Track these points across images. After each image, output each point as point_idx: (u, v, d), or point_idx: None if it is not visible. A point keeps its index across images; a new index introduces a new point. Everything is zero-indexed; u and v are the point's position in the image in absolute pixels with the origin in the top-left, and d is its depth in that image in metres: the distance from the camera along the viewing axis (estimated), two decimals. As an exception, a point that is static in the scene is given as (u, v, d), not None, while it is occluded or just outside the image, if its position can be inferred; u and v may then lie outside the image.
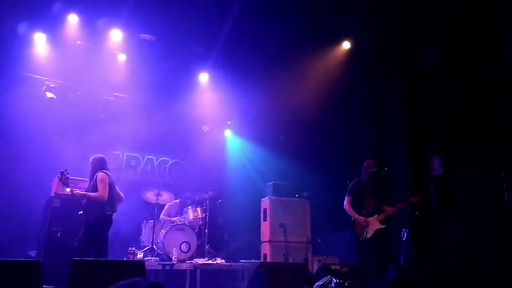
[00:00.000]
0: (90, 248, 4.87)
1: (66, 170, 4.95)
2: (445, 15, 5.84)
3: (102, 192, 4.93)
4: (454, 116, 5.99)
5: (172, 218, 7.09)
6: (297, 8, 6.52)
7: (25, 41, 6.79)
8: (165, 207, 7.33)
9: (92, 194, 4.94)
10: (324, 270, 4.09)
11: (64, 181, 4.94)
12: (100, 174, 5.04)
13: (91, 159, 5.24)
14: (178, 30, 7.12)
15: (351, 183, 5.34)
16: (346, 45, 7.61)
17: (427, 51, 6.12)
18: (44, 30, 6.90)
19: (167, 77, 7.68)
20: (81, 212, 5.03)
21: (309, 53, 7.48)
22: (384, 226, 5.10)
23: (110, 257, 6.03)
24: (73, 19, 6.89)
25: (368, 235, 5.06)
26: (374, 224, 5.09)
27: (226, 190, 7.62)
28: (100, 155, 5.26)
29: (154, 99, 7.94)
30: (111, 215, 5.08)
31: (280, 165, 7.80)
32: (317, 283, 3.32)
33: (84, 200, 5.02)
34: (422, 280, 4.09)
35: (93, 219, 4.90)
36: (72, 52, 7.06)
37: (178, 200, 7.35)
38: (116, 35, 7.23)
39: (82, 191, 5.05)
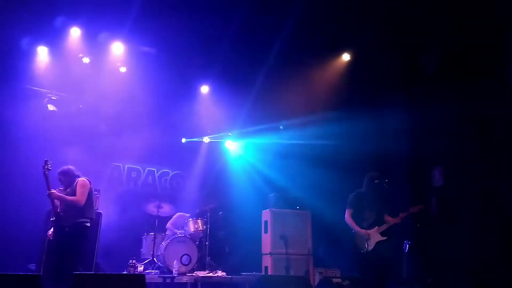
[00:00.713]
0: (58, 259, 4.60)
1: (49, 160, 4.74)
2: (445, 21, 5.88)
3: (80, 197, 4.72)
4: (455, 126, 6.00)
5: (175, 230, 7.06)
6: (297, 20, 6.58)
7: (28, 55, 6.86)
8: (175, 216, 7.28)
9: (69, 197, 4.71)
10: (325, 283, 4.07)
11: (46, 173, 4.66)
12: (82, 180, 4.86)
13: (61, 170, 4.99)
14: (179, 42, 7.19)
15: (351, 195, 5.33)
16: (345, 57, 7.67)
17: (427, 60, 6.16)
18: (47, 44, 6.98)
19: (168, 88, 7.73)
20: (53, 218, 4.72)
21: (309, 64, 7.54)
22: (385, 238, 5.06)
23: (111, 269, 6.03)
24: (75, 32, 6.98)
25: (370, 248, 5.03)
26: (375, 236, 5.06)
27: (227, 202, 7.61)
28: (69, 167, 5.05)
29: (155, 111, 7.98)
30: (88, 226, 4.81)
31: (281, 177, 7.79)
32: None
33: (59, 206, 4.75)
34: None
35: (68, 227, 4.64)
36: (74, 65, 7.13)
37: (188, 215, 7.28)
38: (117, 48, 7.31)
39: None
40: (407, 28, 6.36)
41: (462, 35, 5.80)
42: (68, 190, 4.88)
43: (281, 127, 7.59)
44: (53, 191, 4.70)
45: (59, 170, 4.97)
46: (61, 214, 4.71)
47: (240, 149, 8.81)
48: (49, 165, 4.71)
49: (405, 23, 6.33)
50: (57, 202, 4.76)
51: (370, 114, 7.40)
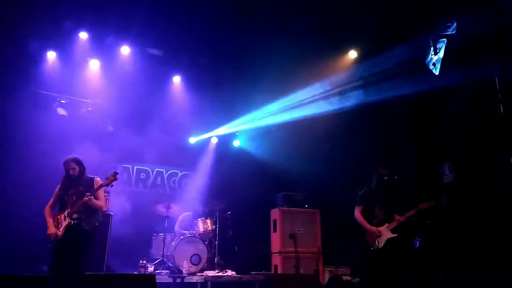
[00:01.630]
0: (74, 261, 4.39)
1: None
2: (449, 17, 5.82)
3: (104, 202, 4.76)
4: (465, 121, 5.93)
5: (182, 231, 7.10)
6: (304, 17, 6.55)
7: (37, 59, 6.95)
8: (179, 218, 7.34)
9: (98, 202, 4.60)
10: (335, 281, 4.06)
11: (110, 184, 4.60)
12: (99, 180, 4.72)
13: (75, 157, 4.68)
14: (186, 44, 7.22)
15: (361, 192, 5.29)
16: (352, 54, 7.63)
17: (432, 55, 6.09)
18: (55, 48, 7.06)
19: (176, 90, 7.77)
20: (75, 220, 4.48)
21: (315, 62, 7.50)
22: (396, 235, 5.03)
23: (121, 269, 6.09)
24: (83, 36, 7.05)
25: (380, 245, 4.99)
26: (385, 234, 5.02)
27: (236, 201, 7.62)
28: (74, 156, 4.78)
29: (163, 113, 8.03)
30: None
31: (290, 175, 7.78)
32: None
33: (75, 208, 4.53)
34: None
35: (89, 229, 4.54)
36: (83, 68, 7.20)
37: (190, 213, 7.35)
38: (125, 51, 7.36)
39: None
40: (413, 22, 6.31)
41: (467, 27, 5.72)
42: (81, 187, 4.59)
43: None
44: (91, 198, 4.50)
45: (73, 156, 4.69)
46: (83, 217, 4.52)
47: (248, 149, 8.82)
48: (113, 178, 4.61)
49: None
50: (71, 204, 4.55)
51: (377, 108, 7.37)
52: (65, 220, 4.53)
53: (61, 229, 4.49)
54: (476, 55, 5.68)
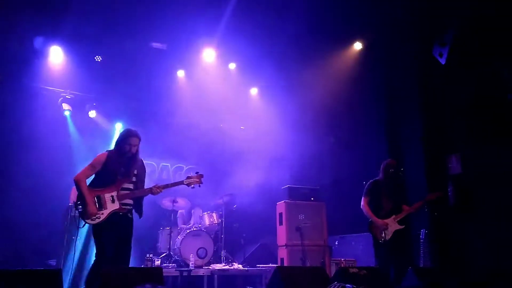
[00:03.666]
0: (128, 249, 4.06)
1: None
2: (458, 8, 5.74)
3: None
4: (472, 112, 5.87)
5: (182, 225, 7.14)
6: (308, 9, 6.49)
7: (42, 54, 6.94)
8: (178, 215, 7.40)
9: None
10: (342, 273, 4.04)
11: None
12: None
13: (134, 133, 4.06)
14: (189, 37, 7.19)
15: (368, 183, 5.27)
16: (357, 45, 7.56)
17: (441, 46, 6.01)
18: (60, 43, 7.04)
19: (181, 84, 7.75)
20: (126, 210, 4.02)
21: (320, 54, 7.45)
22: (403, 226, 5.01)
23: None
24: (87, 31, 7.02)
25: (387, 237, 4.98)
26: (392, 225, 5.01)
27: (242, 195, 7.62)
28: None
29: (167, 106, 8.03)
30: None
31: (296, 168, 7.77)
32: None
33: (131, 198, 4.07)
34: (443, 284, 4.00)
35: (131, 218, 4.13)
36: (87, 63, 7.19)
37: (183, 210, 7.41)
38: (128, 45, 7.32)
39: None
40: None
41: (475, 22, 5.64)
42: (135, 171, 4.12)
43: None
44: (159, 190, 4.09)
45: (136, 131, 4.14)
46: (135, 205, 4.08)
47: (253, 142, 8.79)
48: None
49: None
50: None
51: (384, 101, 7.31)
52: (113, 202, 3.93)
53: (105, 212, 3.86)
54: (483, 48, 5.60)
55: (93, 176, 4.04)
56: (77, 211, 3.90)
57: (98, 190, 3.95)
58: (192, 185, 4.29)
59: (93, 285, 3.71)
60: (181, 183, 4.26)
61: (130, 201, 4.06)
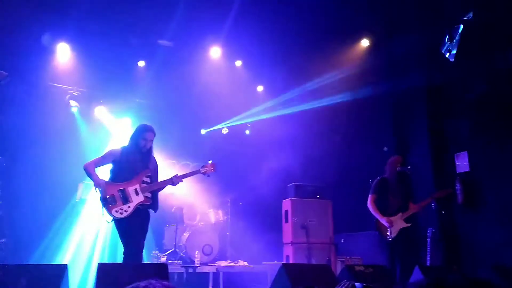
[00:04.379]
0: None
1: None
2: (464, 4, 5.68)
3: None
4: (480, 109, 5.80)
5: (188, 222, 7.14)
6: (315, 6, 6.46)
7: (49, 51, 6.98)
8: (184, 211, 7.39)
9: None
10: (348, 271, 4.02)
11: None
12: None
13: (151, 128, 4.14)
14: (196, 34, 7.19)
15: (375, 180, 5.23)
16: (365, 42, 7.51)
17: (448, 41, 5.95)
18: (67, 40, 7.08)
19: (185, 81, 7.76)
20: (150, 202, 4.07)
21: (327, 51, 7.41)
22: (409, 224, 4.97)
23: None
24: (94, 28, 7.04)
25: (393, 235, 4.94)
26: (398, 223, 4.97)
27: (247, 192, 7.62)
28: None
29: (173, 103, 8.04)
30: None
31: (302, 165, 7.74)
32: None
33: (151, 190, 4.09)
34: (451, 282, 3.97)
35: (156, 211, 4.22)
36: (94, 60, 7.22)
37: (190, 204, 7.41)
38: (136, 42, 7.35)
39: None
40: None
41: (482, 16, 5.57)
42: (149, 166, 4.16)
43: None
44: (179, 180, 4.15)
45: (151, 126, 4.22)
46: (154, 198, 4.11)
47: (258, 139, 8.79)
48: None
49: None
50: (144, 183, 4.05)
51: (390, 98, 7.26)
52: (137, 195, 3.95)
53: (131, 205, 3.89)
54: (493, 42, 5.53)
55: (110, 174, 4.09)
56: (104, 208, 3.89)
57: (120, 184, 3.97)
58: (208, 174, 4.36)
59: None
60: (198, 172, 4.33)
61: (150, 194, 4.09)
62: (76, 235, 6.67)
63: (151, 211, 4.20)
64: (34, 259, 5.95)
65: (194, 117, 8.31)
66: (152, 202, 4.12)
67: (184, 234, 6.72)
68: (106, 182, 3.96)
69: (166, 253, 6.67)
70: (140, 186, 3.98)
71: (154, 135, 4.18)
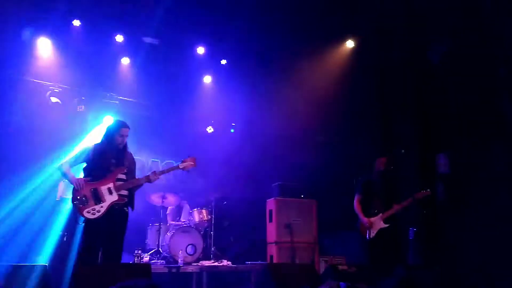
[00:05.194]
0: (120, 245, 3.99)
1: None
2: (452, 9, 5.79)
3: None
4: (461, 112, 5.93)
5: (171, 222, 7.10)
6: (300, 7, 6.49)
7: (29, 46, 6.82)
8: (168, 211, 7.35)
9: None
10: (331, 270, 4.05)
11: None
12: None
13: (126, 125, 4.05)
14: (182, 33, 7.14)
15: (361, 181, 5.28)
16: (349, 44, 7.58)
17: (434, 46, 6.06)
18: (48, 35, 6.93)
19: (171, 79, 7.69)
20: (125, 201, 3.95)
21: (312, 52, 7.46)
22: (388, 225, 5.02)
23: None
24: (77, 23, 6.92)
25: (372, 235, 5.00)
26: (377, 224, 5.03)
27: (232, 191, 7.60)
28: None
29: (158, 102, 7.96)
30: None
31: (286, 165, 7.76)
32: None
33: (126, 188, 3.99)
34: (432, 280, 4.04)
35: (133, 210, 4.11)
36: (77, 56, 7.09)
37: (173, 206, 7.37)
38: (119, 39, 7.26)
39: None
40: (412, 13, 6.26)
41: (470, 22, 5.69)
42: (124, 162, 4.04)
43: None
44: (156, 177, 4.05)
45: (126, 122, 4.11)
46: (129, 196, 3.99)
47: (243, 139, 8.78)
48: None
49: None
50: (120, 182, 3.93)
51: (375, 100, 7.35)
52: (111, 194, 3.81)
53: (104, 205, 3.75)
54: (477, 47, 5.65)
55: (83, 173, 3.97)
56: (74, 207, 3.75)
57: (92, 183, 3.84)
58: (188, 169, 4.23)
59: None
60: (176, 167, 4.22)
61: (126, 192, 3.96)
62: (57, 235, 6.52)
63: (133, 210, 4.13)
64: (13, 259, 5.79)
65: (179, 116, 8.24)
66: (129, 200, 3.99)
67: (167, 233, 6.65)
68: (84, 179, 3.84)
69: (149, 252, 6.59)
70: (114, 184, 3.85)
71: (128, 131, 4.07)
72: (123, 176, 3.97)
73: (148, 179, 4.01)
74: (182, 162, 4.21)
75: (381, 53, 7.06)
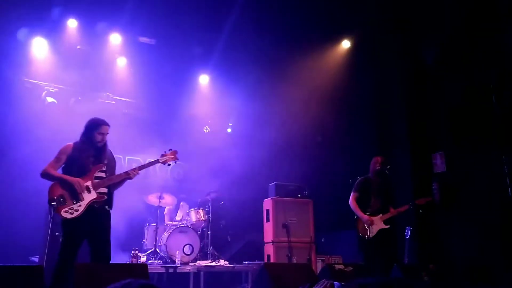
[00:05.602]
0: (107, 245, 3.92)
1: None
2: (446, 10, 5.82)
3: None
4: (456, 112, 5.97)
5: (168, 222, 7.10)
6: (296, 8, 6.51)
7: (25, 46, 6.79)
8: (165, 212, 7.33)
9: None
10: (328, 270, 4.06)
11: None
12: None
13: (106, 122, 3.99)
14: (178, 32, 7.13)
15: (359, 179, 5.30)
16: (345, 44, 7.60)
17: (428, 47, 6.10)
18: (44, 35, 6.91)
19: (167, 79, 7.68)
20: (104, 198, 3.88)
21: (308, 52, 7.48)
22: (388, 226, 5.05)
23: (113, 259, 6.05)
24: (72, 23, 6.91)
25: (372, 234, 5.02)
26: (378, 224, 5.05)
27: (229, 191, 7.60)
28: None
29: (154, 102, 7.95)
30: None
31: (283, 165, 7.77)
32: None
33: (107, 187, 3.93)
34: (427, 279, 4.06)
35: (109, 211, 4.00)
36: (72, 56, 7.07)
37: (171, 206, 7.36)
38: (115, 39, 7.25)
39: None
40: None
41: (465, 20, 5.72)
42: (103, 160, 3.98)
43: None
44: (134, 172, 3.98)
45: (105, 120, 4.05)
46: (109, 194, 3.91)
47: (240, 138, 8.78)
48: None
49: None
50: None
51: (370, 100, 7.38)
52: (89, 192, 3.73)
53: (83, 204, 3.68)
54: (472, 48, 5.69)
55: (61, 172, 3.89)
56: (51, 207, 3.66)
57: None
58: (168, 163, 4.17)
59: (61, 286, 3.52)
60: (156, 162, 4.15)
61: (105, 190, 3.89)
62: (53, 235, 6.50)
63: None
64: (9, 260, 5.76)
65: (176, 116, 8.22)
66: (108, 198, 3.90)
67: (164, 233, 6.65)
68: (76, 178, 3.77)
69: (146, 252, 6.59)
70: (92, 182, 3.78)
71: (108, 129, 4.02)
72: (102, 174, 3.91)
73: (127, 175, 3.93)
74: (163, 155, 4.17)
75: (376, 53, 7.09)
